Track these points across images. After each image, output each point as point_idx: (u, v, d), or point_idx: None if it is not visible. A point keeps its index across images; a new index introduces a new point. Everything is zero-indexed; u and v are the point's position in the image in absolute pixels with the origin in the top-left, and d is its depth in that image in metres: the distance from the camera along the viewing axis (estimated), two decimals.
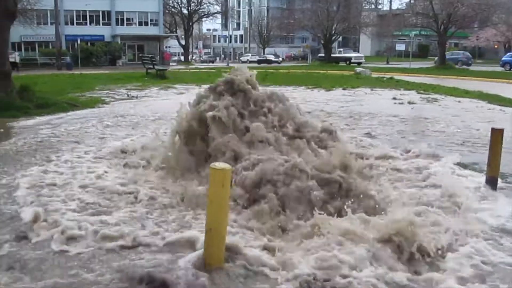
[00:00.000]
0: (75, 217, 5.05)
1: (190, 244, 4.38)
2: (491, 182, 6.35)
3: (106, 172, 6.84)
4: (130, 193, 5.93)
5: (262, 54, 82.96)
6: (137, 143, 8.53)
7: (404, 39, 61.79)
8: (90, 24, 56.60)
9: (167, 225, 4.99)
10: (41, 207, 5.28)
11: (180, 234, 4.67)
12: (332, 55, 59.78)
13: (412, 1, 58.48)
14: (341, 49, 68.10)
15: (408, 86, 22.61)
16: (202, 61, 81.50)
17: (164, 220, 5.13)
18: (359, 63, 51.65)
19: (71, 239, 4.57)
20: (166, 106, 13.34)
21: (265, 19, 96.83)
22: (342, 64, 54.42)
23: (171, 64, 54.79)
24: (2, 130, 10.45)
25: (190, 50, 78.61)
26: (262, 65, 56.12)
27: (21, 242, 4.51)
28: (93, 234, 4.65)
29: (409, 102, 16.06)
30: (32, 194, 5.83)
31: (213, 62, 79.64)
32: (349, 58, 57.40)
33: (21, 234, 4.66)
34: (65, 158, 7.74)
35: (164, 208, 5.48)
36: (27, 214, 5.11)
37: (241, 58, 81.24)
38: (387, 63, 58.70)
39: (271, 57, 72.46)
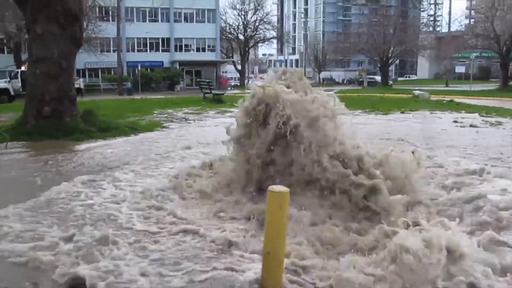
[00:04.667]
0: None
1: None
2: None
3: None
4: None
5: (317, 78, 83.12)
6: None
7: (464, 61, 60.34)
8: (150, 50, 58.60)
9: None
10: None
11: None
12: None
13: (472, 23, 57.22)
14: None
15: (470, 108, 21.89)
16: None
17: None
18: None
19: None
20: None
21: (321, 43, 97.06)
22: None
23: (228, 88, 55.64)
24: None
25: (246, 74, 79.52)
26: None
27: None
28: None
29: (471, 126, 15.52)
30: None
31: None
32: None
33: None
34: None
35: None
36: None
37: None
38: (447, 85, 57.34)
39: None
